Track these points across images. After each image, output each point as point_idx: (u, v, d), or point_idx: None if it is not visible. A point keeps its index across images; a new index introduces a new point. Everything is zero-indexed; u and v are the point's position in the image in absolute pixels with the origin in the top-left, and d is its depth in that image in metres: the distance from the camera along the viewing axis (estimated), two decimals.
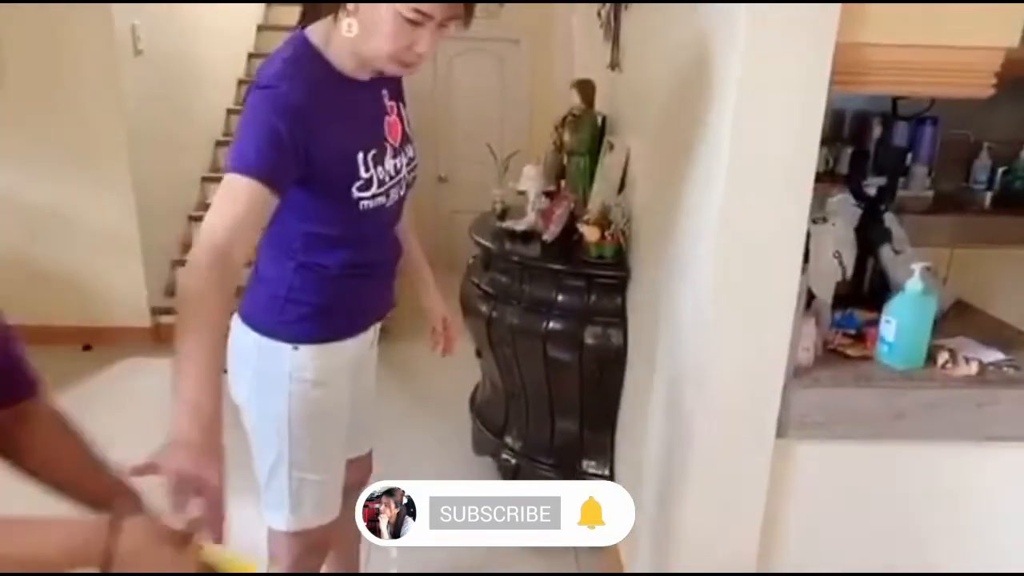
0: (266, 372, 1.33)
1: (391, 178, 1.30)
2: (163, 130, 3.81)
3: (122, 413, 2.77)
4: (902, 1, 1.21)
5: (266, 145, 1.11)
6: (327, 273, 1.31)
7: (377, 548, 2.27)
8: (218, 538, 0.81)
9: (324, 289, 1.32)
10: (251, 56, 5.00)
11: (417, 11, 1.11)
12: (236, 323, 1.34)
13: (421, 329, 1.66)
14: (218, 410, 0.91)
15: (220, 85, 4.55)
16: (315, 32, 1.21)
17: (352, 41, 1.17)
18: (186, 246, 4.25)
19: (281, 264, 1.31)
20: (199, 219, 4.73)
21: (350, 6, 1.14)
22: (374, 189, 1.25)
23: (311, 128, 1.15)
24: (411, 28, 1.13)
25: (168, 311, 3.83)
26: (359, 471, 1.60)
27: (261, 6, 5.23)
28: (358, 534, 1.13)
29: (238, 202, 1.08)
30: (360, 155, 1.23)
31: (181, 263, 4.16)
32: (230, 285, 1.03)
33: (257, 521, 1.51)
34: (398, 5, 1.10)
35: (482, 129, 4.74)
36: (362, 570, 1.99)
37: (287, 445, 1.35)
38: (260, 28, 5.12)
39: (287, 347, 1.31)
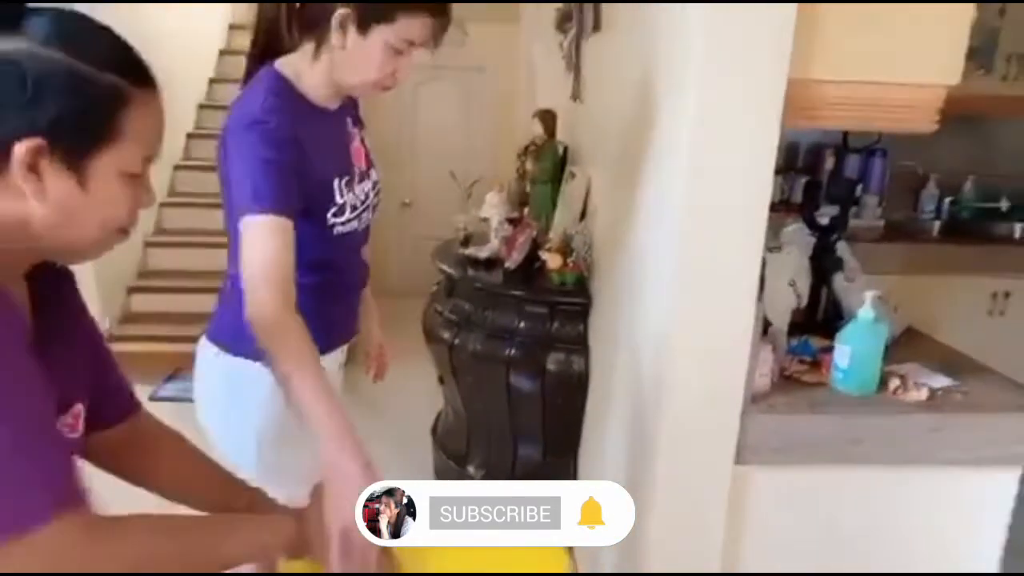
0: (235, 392, 1.31)
1: (361, 203, 1.33)
2: None
3: None
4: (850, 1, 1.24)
5: (275, 180, 1.14)
6: (298, 295, 1.31)
7: None
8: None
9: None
10: (212, 81, 4.97)
11: (405, 40, 1.18)
12: (203, 344, 1.33)
13: None
14: (353, 431, 0.99)
15: (180, 108, 4.50)
16: (286, 65, 1.24)
17: (332, 71, 1.22)
18: (142, 273, 4.17)
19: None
20: (155, 245, 4.63)
21: (336, 42, 1.18)
22: (347, 215, 1.28)
23: (300, 158, 1.18)
24: (394, 55, 1.20)
25: (124, 339, 3.74)
26: None
27: (224, 31, 5.21)
28: None
29: (273, 241, 1.11)
30: (336, 181, 1.26)
31: (136, 289, 4.08)
32: (301, 320, 1.08)
33: None
34: (387, 35, 1.17)
35: (446, 156, 4.77)
36: None
37: (255, 463, 1.33)
38: (222, 53, 5.09)
39: (256, 365, 1.29)
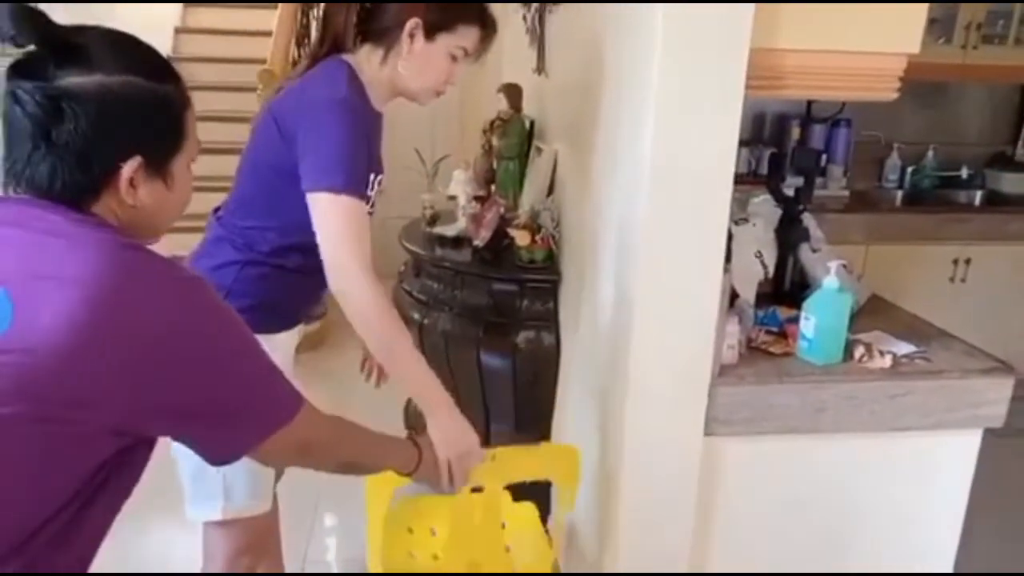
0: None
1: (373, 198, 1.42)
2: None
3: None
4: (811, 1, 1.25)
5: (363, 165, 1.28)
6: (282, 272, 1.38)
7: (310, 560, 2.23)
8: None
9: (274, 287, 1.38)
10: (168, 59, 4.84)
11: (461, 48, 1.34)
12: None
13: (351, 339, 1.63)
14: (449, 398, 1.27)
15: None
16: (355, 61, 1.34)
17: (397, 77, 1.35)
18: None
19: (233, 257, 1.35)
20: None
21: (406, 48, 1.31)
22: (367, 208, 1.33)
23: (367, 149, 1.32)
24: (452, 63, 1.36)
25: None
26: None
27: (179, 9, 5.06)
28: (279, 538, 1.44)
29: (361, 223, 1.23)
30: (371, 176, 1.37)
31: None
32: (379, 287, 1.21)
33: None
34: (448, 43, 1.32)
35: (411, 134, 4.69)
36: None
37: None
38: (178, 31, 4.95)
39: None
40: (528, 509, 1.59)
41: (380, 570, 1.39)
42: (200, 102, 0.94)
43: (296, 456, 0.96)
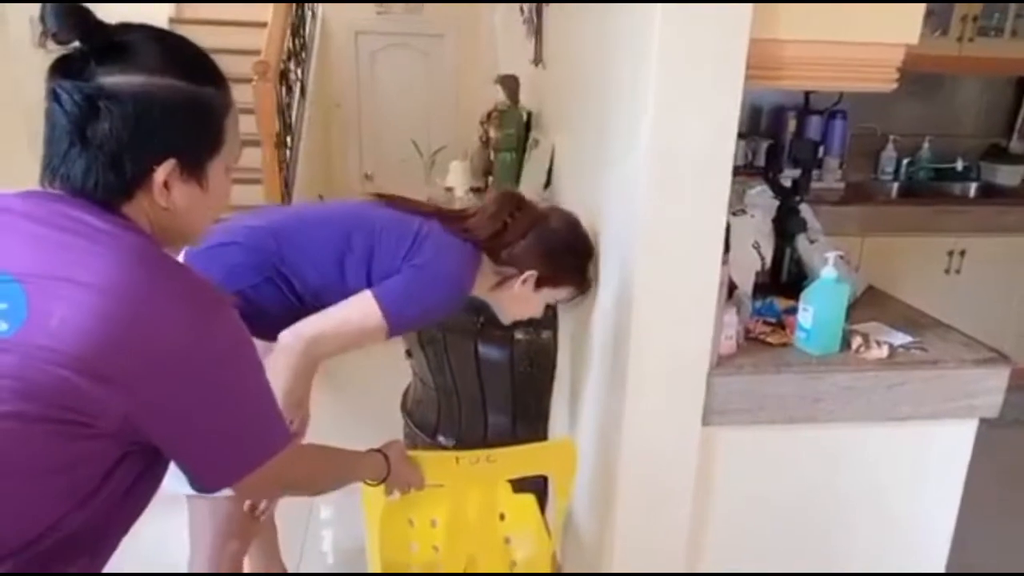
0: None
1: None
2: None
3: None
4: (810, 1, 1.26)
5: (420, 317, 1.44)
6: (286, 297, 1.43)
7: (310, 549, 2.24)
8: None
9: (275, 304, 1.42)
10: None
11: (557, 300, 1.61)
12: None
13: None
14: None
15: None
16: (482, 263, 1.50)
17: (498, 299, 1.56)
18: None
19: (254, 273, 1.40)
20: None
21: (516, 288, 1.50)
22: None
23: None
24: (543, 306, 1.61)
25: None
26: None
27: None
28: (275, 525, 1.49)
29: (362, 339, 1.36)
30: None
31: None
32: (302, 380, 1.35)
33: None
34: (549, 296, 1.56)
35: (407, 125, 4.70)
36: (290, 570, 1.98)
37: None
38: (172, 21, 4.92)
39: None
40: (527, 500, 1.60)
41: (379, 561, 1.40)
42: None
43: (276, 489, 1.00)
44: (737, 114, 1.25)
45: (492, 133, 2.46)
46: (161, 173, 0.79)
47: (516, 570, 1.52)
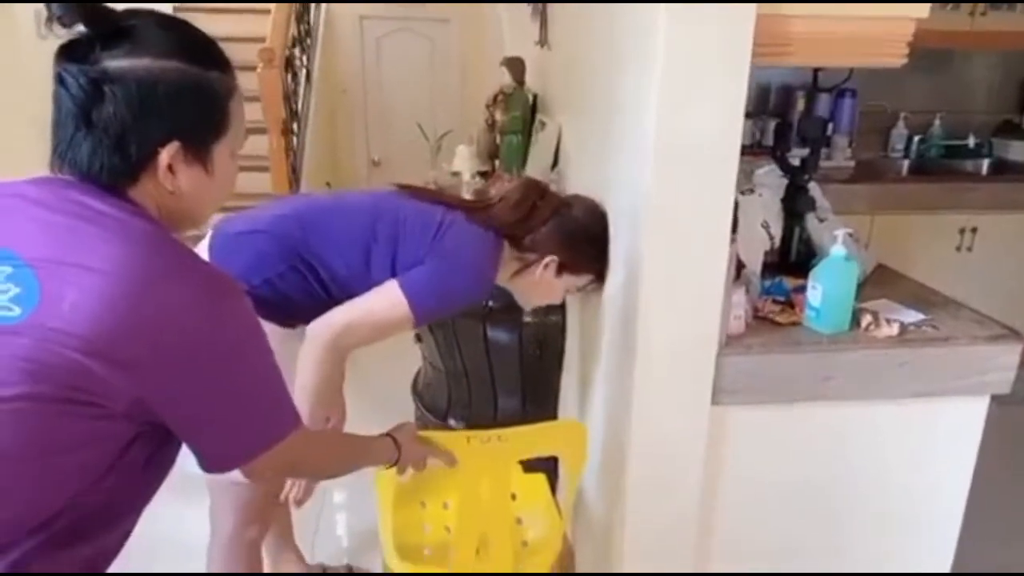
0: None
1: None
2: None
3: None
4: None
5: (446, 307, 1.47)
6: (307, 282, 1.45)
7: (324, 533, 2.26)
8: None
9: (295, 290, 1.44)
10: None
11: (577, 287, 1.60)
12: None
13: None
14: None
15: None
16: (504, 251, 1.50)
17: (517, 285, 1.57)
18: None
19: (278, 260, 1.42)
20: None
21: (537, 274, 1.51)
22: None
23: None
24: (563, 293, 1.64)
25: None
26: None
27: None
28: (288, 510, 1.57)
29: (388, 329, 1.38)
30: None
31: None
32: (329, 369, 1.37)
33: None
34: (569, 282, 1.56)
35: (413, 110, 4.68)
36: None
37: None
38: (176, 8, 4.91)
39: None
40: (538, 480, 1.61)
41: (392, 543, 1.41)
42: None
43: (284, 471, 1.01)
44: (744, 92, 1.24)
45: (498, 116, 2.45)
46: (165, 156, 0.80)
47: (528, 550, 1.53)
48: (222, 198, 0.91)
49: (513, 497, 1.54)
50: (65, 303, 0.71)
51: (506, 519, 1.51)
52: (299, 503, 1.43)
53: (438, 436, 1.40)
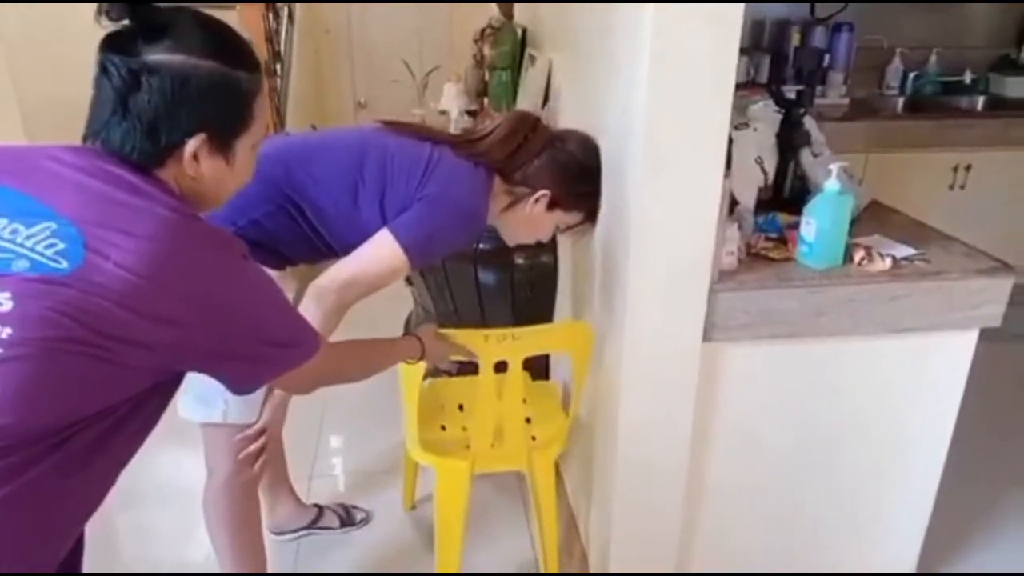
0: None
1: None
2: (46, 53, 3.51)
3: None
4: None
5: (440, 248, 1.47)
6: (295, 223, 1.45)
7: (319, 476, 2.29)
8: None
9: (284, 231, 1.45)
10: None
11: (567, 225, 1.57)
12: None
13: None
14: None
15: None
16: (494, 186, 1.48)
17: (506, 219, 1.53)
18: None
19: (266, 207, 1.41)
20: None
21: (528, 209, 1.49)
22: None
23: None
24: (551, 230, 1.60)
25: None
26: None
27: None
28: (284, 453, 1.65)
29: (384, 277, 1.39)
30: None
31: None
32: (335, 322, 1.39)
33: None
34: (559, 219, 1.54)
35: (398, 45, 4.55)
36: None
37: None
38: None
39: None
40: (547, 387, 1.84)
41: (417, 437, 1.64)
42: None
43: (314, 384, 1.08)
44: (740, 22, 1.19)
45: (486, 51, 2.38)
46: (192, 146, 0.88)
47: (537, 443, 1.71)
48: (239, 186, 0.99)
49: (524, 400, 1.66)
50: (109, 262, 0.78)
51: (518, 419, 1.65)
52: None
53: (457, 334, 1.49)
